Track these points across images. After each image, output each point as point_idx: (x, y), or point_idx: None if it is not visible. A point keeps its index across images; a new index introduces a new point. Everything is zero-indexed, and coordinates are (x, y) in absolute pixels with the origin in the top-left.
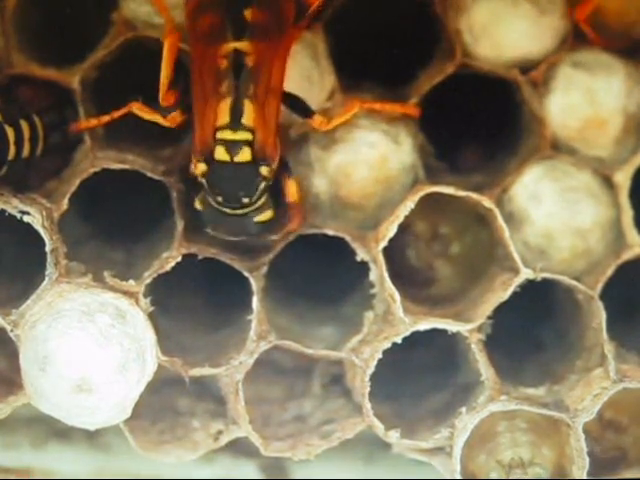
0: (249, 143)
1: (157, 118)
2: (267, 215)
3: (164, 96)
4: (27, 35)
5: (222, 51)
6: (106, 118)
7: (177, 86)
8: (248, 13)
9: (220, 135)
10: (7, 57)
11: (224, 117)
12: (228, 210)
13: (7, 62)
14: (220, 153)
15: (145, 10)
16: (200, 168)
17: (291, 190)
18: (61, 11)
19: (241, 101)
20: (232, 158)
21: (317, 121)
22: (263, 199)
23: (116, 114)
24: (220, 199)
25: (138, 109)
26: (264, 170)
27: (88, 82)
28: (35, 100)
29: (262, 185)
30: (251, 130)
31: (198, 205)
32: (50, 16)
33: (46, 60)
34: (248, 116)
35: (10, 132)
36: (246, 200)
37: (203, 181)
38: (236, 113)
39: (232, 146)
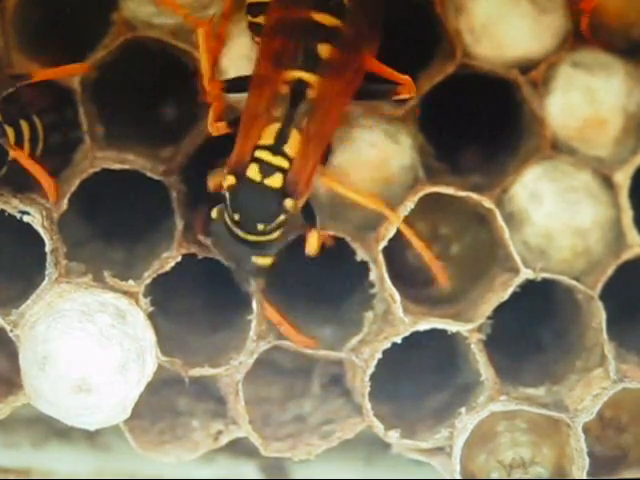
0: (284, 171)
1: (210, 124)
2: (266, 261)
3: (210, 83)
4: (27, 35)
5: (286, 77)
6: None
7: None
8: (324, 49)
9: (258, 154)
10: (7, 57)
11: (268, 139)
12: (239, 232)
13: (7, 62)
14: (253, 171)
15: (145, 10)
16: (229, 181)
17: (312, 242)
18: (61, 11)
19: (290, 129)
20: (263, 179)
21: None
22: (275, 236)
23: None
24: (237, 217)
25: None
26: (288, 202)
27: (88, 82)
28: (35, 100)
29: (281, 217)
30: (290, 160)
31: (214, 214)
32: (50, 16)
33: (46, 60)
34: (291, 145)
35: (10, 132)
36: (261, 227)
37: (227, 195)
38: (281, 139)
39: (267, 168)
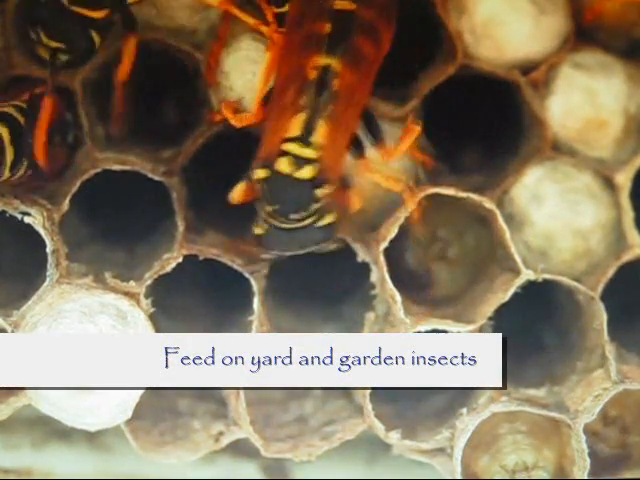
0: (313, 162)
1: (230, 117)
2: (328, 219)
3: (257, 111)
4: (28, 36)
5: (314, 62)
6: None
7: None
8: (353, 37)
9: (286, 147)
10: (7, 57)
11: (295, 130)
12: (277, 223)
13: (7, 62)
14: (283, 164)
15: (146, 11)
16: (259, 174)
17: (354, 200)
18: None
19: (316, 118)
20: (293, 172)
21: (382, 151)
22: (317, 217)
23: None
24: (271, 209)
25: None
26: (320, 192)
27: (89, 83)
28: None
29: (315, 206)
30: (319, 149)
31: (257, 229)
32: None
33: (46, 61)
34: (319, 135)
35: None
36: (295, 216)
37: (259, 188)
38: (308, 129)
39: (296, 161)
